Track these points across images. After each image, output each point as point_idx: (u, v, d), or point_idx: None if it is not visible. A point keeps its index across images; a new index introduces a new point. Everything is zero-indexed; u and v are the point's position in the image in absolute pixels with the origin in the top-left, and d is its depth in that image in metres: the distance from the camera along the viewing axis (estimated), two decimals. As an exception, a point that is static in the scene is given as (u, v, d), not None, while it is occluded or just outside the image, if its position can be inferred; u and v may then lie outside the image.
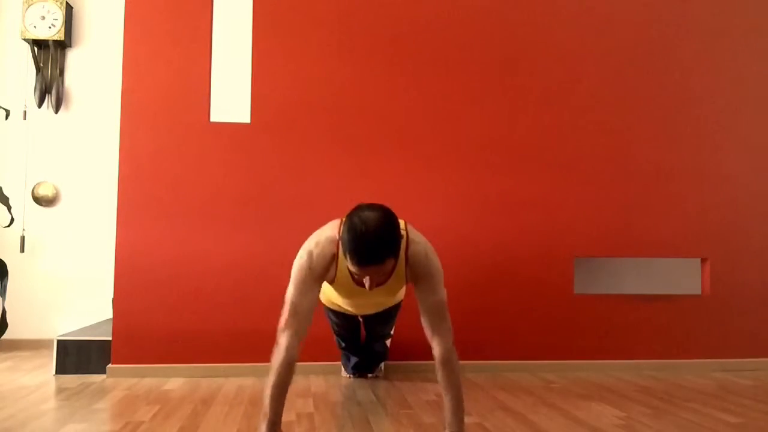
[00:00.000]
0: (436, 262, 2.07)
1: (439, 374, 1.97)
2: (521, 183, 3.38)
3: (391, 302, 2.58)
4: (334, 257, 2.04)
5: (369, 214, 1.85)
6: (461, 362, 3.17)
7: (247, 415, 2.35)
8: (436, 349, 1.98)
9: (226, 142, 3.21)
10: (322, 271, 2.04)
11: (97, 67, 4.19)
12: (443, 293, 2.04)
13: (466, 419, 2.28)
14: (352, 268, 1.89)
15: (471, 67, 3.40)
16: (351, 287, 2.18)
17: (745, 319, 3.51)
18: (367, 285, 1.92)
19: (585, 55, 3.50)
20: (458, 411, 1.97)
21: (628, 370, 3.32)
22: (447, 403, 1.97)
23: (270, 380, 1.91)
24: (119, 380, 2.96)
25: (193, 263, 3.14)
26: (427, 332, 2.01)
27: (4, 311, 3.69)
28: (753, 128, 3.63)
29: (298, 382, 2.89)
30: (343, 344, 2.96)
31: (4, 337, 3.84)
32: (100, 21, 4.22)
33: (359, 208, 1.91)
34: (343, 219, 2.04)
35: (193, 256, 3.14)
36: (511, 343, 3.32)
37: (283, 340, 1.94)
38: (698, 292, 3.57)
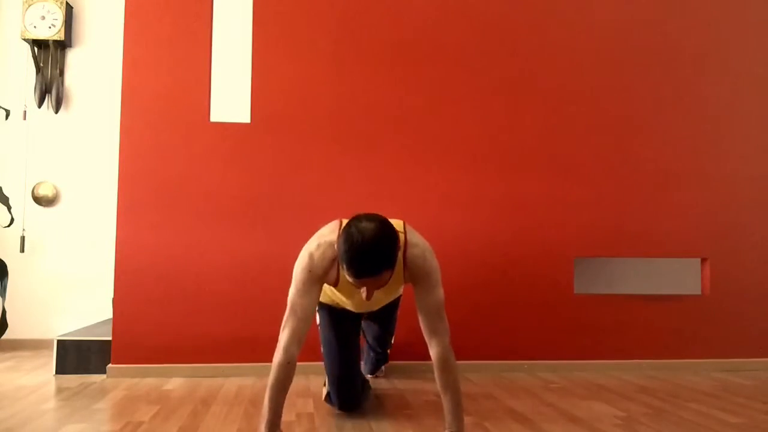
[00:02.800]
0: (434, 263, 2.07)
1: (438, 374, 1.99)
2: (521, 183, 3.38)
3: (391, 298, 2.55)
4: (335, 261, 2.02)
5: (366, 225, 1.84)
6: (461, 362, 3.18)
7: (247, 415, 2.35)
8: (434, 350, 1.99)
9: (226, 142, 3.21)
10: (322, 273, 2.03)
11: (97, 67, 4.19)
12: (441, 293, 2.04)
13: (466, 419, 2.28)
14: (349, 279, 1.90)
15: (471, 67, 3.40)
16: (351, 293, 2.18)
17: (745, 319, 3.51)
18: (364, 295, 1.91)
19: (585, 56, 3.50)
20: (457, 411, 1.98)
21: (628, 370, 3.32)
22: (446, 403, 1.99)
23: (269, 380, 1.94)
24: (119, 380, 2.96)
25: (193, 263, 3.14)
26: (425, 332, 2.02)
27: (4, 311, 3.69)
28: (753, 128, 3.63)
29: (298, 382, 2.88)
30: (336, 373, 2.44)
31: (4, 337, 3.84)
32: (100, 21, 4.22)
33: (357, 219, 1.89)
34: (343, 221, 2.03)
35: (193, 255, 3.14)
36: (511, 343, 3.32)
37: (281, 339, 1.97)
38: (698, 292, 3.57)
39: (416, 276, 2.04)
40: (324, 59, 3.30)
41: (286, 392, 1.95)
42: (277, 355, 1.94)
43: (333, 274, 2.05)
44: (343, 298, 2.37)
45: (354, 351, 2.50)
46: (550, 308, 3.35)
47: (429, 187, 3.32)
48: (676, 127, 3.55)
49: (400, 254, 1.99)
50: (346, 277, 1.91)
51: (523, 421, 2.31)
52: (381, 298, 2.36)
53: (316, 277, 2.02)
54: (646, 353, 3.40)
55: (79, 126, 4.16)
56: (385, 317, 2.75)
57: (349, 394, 2.37)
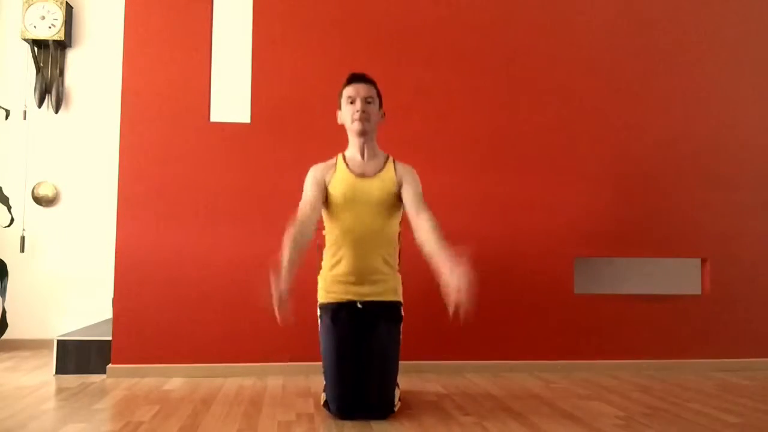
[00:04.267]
0: (415, 172, 2.59)
1: (430, 237, 2.26)
2: (521, 183, 3.38)
3: (385, 194, 2.52)
4: (334, 164, 2.55)
5: None
6: (461, 362, 3.20)
7: (247, 415, 2.35)
8: (425, 219, 2.35)
9: (226, 142, 3.21)
10: (321, 177, 2.52)
11: (97, 67, 4.19)
12: (421, 188, 2.54)
13: (466, 419, 2.29)
14: (346, 91, 2.50)
15: (471, 67, 3.40)
16: (349, 182, 2.50)
17: (745, 319, 3.51)
18: (358, 105, 2.45)
19: (586, 55, 3.50)
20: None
21: (628, 370, 3.32)
22: (441, 257, 2.21)
23: (286, 241, 2.27)
24: (119, 380, 2.96)
25: (193, 263, 3.14)
26: (413, 212, 2.42)
27: (4, 311, 3.69)
28: (753, 128, 3.62)
29: (298, 382, 2.89)
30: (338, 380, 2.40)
31: (4, 337, 3.84)
32: (100, 21, 4.23)
33: None
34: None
35: (193, 255, 3.14)
36: (511, 343, 3.31)
37: (296, 216, 2.40)
38: (698, 292, 3.57)
39: (404, 177, 2.53)
40: (324, 59, 3.30)
41: (300, 249, 2.27)
42: (293, 222, 2.35)
43: (330, 173, 2.54)
44: (339, 211, 2.51)
45: (354, 362, 2.40)
46: (550, 308, 3.35)
47: (428, 186, 3.28)
48: (676, 127, 3.55)
49: (390, 161, 2.58)
50: (344, 93, 2.51)
51: (522, 421, 2.31)
52: (374, 189, 2.51)
53: (320, 176, 2.52)
54: (646, 353, 3.40)
55: (79, 126, 4.17)
56: (385, 345, 2.53)
57: (349, 409, 2.33)
